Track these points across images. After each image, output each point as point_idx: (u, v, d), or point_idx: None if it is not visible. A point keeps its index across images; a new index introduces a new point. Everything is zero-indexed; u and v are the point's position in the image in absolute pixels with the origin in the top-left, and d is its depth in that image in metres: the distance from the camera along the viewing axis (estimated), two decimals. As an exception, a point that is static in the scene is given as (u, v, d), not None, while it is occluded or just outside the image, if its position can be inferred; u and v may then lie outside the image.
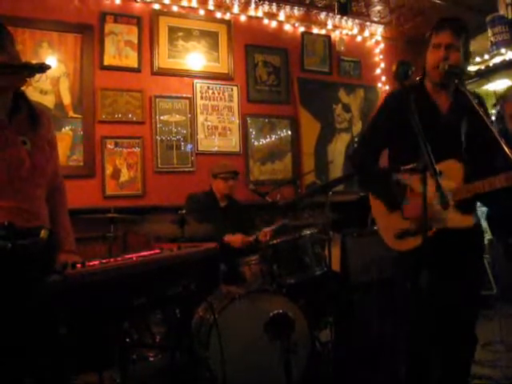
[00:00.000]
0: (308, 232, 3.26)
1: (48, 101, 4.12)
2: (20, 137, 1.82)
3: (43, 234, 1.38)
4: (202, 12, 4.83)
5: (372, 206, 2.45)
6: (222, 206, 3.82)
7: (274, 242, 3.20)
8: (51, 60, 4.09)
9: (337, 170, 5.35)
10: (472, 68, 4.93)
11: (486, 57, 4.83)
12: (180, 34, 4.72)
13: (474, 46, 4.91)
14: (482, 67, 4.92)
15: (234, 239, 3.51)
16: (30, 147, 1.83)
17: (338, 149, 5.46)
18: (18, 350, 1.33)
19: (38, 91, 4.06)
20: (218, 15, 4.93)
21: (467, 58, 2.26)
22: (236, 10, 4.97)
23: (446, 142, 1.91)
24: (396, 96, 2.37)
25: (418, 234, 2.14)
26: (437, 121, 2.20)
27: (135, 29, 4.51)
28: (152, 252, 1.84)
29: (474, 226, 2.14)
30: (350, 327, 3.41)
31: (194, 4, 4.76)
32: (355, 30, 5.67)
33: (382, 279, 3.38)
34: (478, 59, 4.91)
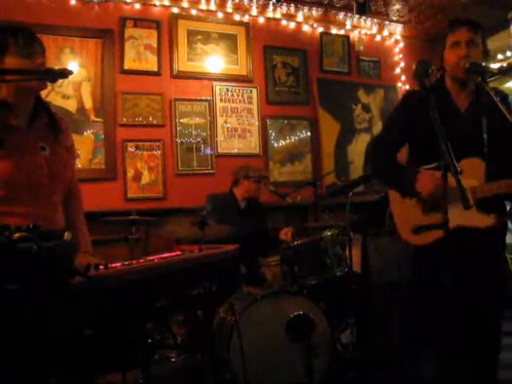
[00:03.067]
0: (328, 233, 3.25)
1: (70, 105, 4.19)
2: (39, 143, 1.85)
3: (67, 236, 1.40)
4: (220, 15, 4.86)
5: (390, 202, 2.44)
6: (242, 207, 3.84)
7: (295, 243, 3.20)
8: (73, 65, 4.16)
9: (357, 170, 5.32)
10: (494, 65, 4.85)
11: (509, 54, 4.75)
12: (199, 37, 4.75)
13: (496, 42, 4.89)
14: (504, 64, 4.84)
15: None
16: (49, 154, 1.86)
17: (358, 149, 5.42)
18: (44, 351, 1.35)
19: (61, 96, 4.13)
20: (237, 17, 4.94)
21: (486, 56, 2.24)
22: (254, 11, 4.98)
23: (466, 141, 1.88)
24: (414, 94, 2.36)
25: (434, 230, 2.13)
26: (456, 119, 2.18)
27: (154, 33, 4.56)
28: (173, 254, 1.86)
29: (496, 226, 2.10)
30: (371, 328, 3.38)
31: (213, 7, 4.79)
32: (374, 30, 5.62)
33: (403, 279, 3.35)
34: (500, 56, 4.84)
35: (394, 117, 2.49)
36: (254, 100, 4.95)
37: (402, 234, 2.34)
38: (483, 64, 2.17)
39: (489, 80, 2.15)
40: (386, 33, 5.69)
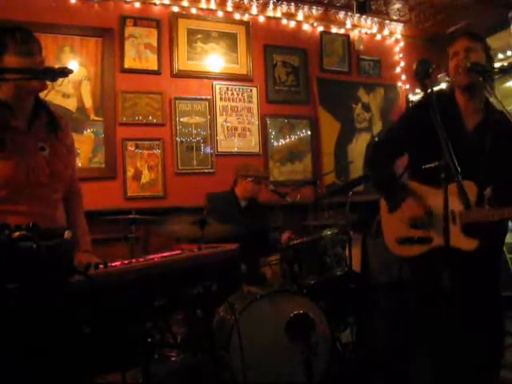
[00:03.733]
0: (328, 232, 3.25)
1: (70, 104, 4.19)
2: (39, 143, 1.85)
3: (67, 234, 1.40)
4: (220, 14, 4.86)
5: (381, 209, 2.48)
6: (243, 206, 3.84)
7: (295, 242, 3.20)
8: (73, 64, 4.16)
9: (357, 170, 5.31)
10: (495, 64, 4.84)
11: (509, 53, 4.74)
12: (199, 35, 4.74)
13: (496, 42, 4.88)
14: (505, 64, 4.83)
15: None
16: (49, 154, 1.87)
17: (358, 149, 5.42)
18: (44, 351, 1.35)
19: (61, 95, 4.13)
20: (237, 16, 4.94)
21: (490, 63, 2.24)
22: (254, 10, 4.98)
23: (466, 161, 1.87)
24: (421, 105, 2.35)
25: (420, 244, 2.17)
26: (461, 136, 2.16)
27: (155, 31, 4.55)
28: (173, 253, 1.86)
29: (484, 248, 2.07)
30: (370, 328, 3.38)
31: (213, 6, 4.78)
32: (374, 29, 5.62)
33: (402, 279, 3.35)
34: (500, 56, 4.83)
35: (399, 128, 2.49)
36: (254, 99, 4.95)
37: (387, 243, 2.40)
38: (483, 64, 2.17)
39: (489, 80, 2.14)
40: (386, 32, 5.68)
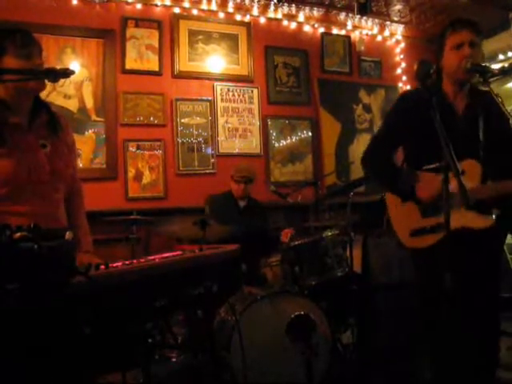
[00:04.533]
0: (329, 233, 3.25)
1: (71, 105, 4.19)
2: (40, 140, 1.86)
3: (68, 235, 1.40)
4: (221, 15, 4.86)
5: (388, 205, 2.44)
6: (242, 206, 3.84)
7: (296, 243, 3.20)
8: (74, 65, 4.16)
9: (358, 170, 5.26)
10: (495, 66, 4.85)
11: (510, 54, 4.74)
12: (200, 37, 4.75)
13: (497, 43, 4.89)
14: (506, 65, 4.83)
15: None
16: (50, 151, 1.87)
17: (359, 149, 5.38)
18: (43, 350, 1.35)
19: (62, 96, 4.13)
20: (238, 17, 4.94)
21: (483, 59, 2.25)
22: (255, 12, 4.98)
23: (463, 143, 1.87)
24: (412, 96, 2.36)
25: (434, 232, 2.15)
26: (454, 122, 2.17)
27: (156, 33, 4.56)
28: (174, 253, 1.86)
29: (492, 228, 2.08)
30: (371, 329, 3.38)
31: (214, 7, 4.79)
32: (375, 30, 5.62)
33: (403, 280, 3.35)
34: (501, 57, 4.83)
35: (391, 118, 2.48)
36: (255, 100, 4.95)
37: (401, 239, 2.34)
38: (484, 64, 2.17)
39: (490, 80, 2.14)
40: (387, 33, 5.68)
